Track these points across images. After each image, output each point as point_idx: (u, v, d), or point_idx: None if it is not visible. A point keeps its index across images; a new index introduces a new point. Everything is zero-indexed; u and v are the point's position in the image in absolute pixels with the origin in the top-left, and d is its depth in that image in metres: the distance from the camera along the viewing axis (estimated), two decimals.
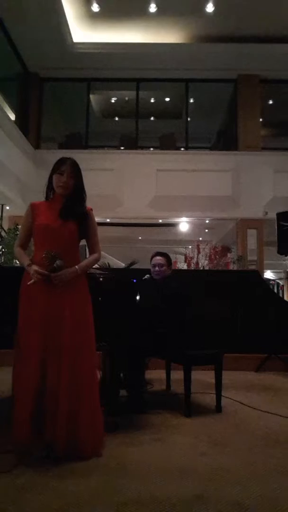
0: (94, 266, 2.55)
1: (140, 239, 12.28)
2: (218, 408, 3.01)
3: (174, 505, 1.63)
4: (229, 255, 8.67)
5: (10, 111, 8.69)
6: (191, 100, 9.88)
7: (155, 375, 3.82)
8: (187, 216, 9.41)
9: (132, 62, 8.68)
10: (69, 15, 7.66)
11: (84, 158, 9.51)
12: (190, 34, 8.25)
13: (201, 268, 7.38)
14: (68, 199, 2.25)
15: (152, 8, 7.48)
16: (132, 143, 9.46)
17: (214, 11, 7.45)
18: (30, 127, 9.12)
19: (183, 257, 8.26)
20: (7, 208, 7.87)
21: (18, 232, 6.49)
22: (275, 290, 11.91)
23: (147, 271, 3.62)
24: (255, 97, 9.16)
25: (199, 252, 7.70)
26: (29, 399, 2.01)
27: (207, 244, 8.20)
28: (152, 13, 7.61)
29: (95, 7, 7.48)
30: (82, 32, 8.19)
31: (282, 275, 15.85)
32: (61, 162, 2.25)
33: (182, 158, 9.05)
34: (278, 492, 1.76)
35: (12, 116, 8.61)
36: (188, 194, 8.57)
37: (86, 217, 2.28)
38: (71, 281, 2.15)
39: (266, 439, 2.43)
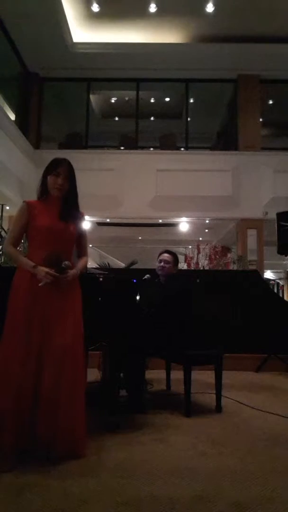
0: (93, 266, 2.56)
1: (140, 239, 12.28)
2: (218, 408, 3.02)
3: (174, 505, 1.63)
4: (229, 255, 8.65)
5: (10, 111, 8.68)
6: (191, 100, 9.87)
7: (155, 375, 3.82)
8: (187, 216, 9.40)
9: (132, 62, 8.68)
10: (69, 15, 7.66)
11: (84, 158, 9.56)
12: (190, 34, 8.25)
13: (201, 268, 7.37)
14: (65, 201, 2.26)
15: (152, 8, 7.48)
16: (132, 143, 9.46)
17: (214, 11, 7.44)
18: (30, 127, 9.12)
19: (183, 257, 8.25)
20: (7, 208, 7.86)
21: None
22: (275, 290, 11.90)
23: (147, 271, 3.63)
24: (255, 97, 9.15)
25: (199, 252, 7.68)
26: (10, 398, 1.99)
27: (207, 244, 8.18)
28: (152, 13, 7.60)
29: (95, 7, 7.48)
30: (82, 32, 8.19)
31: (282, 275, 15.84)
32: (56, 163, 2.23)
33: (182, 158, 9.04)
34: (278, 492, 1.76)
35: (12, 116, 8.61)
36: (188, 194, 8.57)
37: (81, 221, 2.32)
38: (69, 284, 2.16)
39: (266, 439, 2.43)
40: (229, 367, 3.93)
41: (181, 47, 8.36)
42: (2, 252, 5.88)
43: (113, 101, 10.81)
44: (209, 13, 7.50)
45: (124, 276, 4.56)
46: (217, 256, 7.60)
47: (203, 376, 3.55)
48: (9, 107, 8.67)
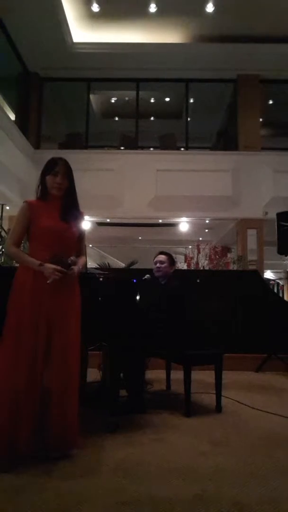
0: (93, 266, 2.57)
1: (140, 239, 12.28)
2: (218, 408, 3.02)
3: (174, 505, 1.63)
4: (229, 255, 8.66)
5: (10, 111, 8.68)
6: (191, 100, 9.87)
7: (155, 375, 3.82)
8: (187, 216, 9.40)
9: (132, 62, 8.68)
10: (69, 15, 7.66)
11: (84, 158, 9.55)
12: (190, 34, 8.25)
13: (201, 268, 7.37)
14: (65, 201, 2.26)
15: (152, 8, 7.48)
16: (132, 143, 9.46)
17: (214, 11, 7.44)
18: (30, 127, 9.12)
19: (183, 257, 8.26)
20: (7, 208, 7.86)
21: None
22: (275, 290, 11.90)
23: (147, 271, 3.64)
24: (255, 97, 9.15)
25: (199, 252, 7.69)
26: (7, 397, 2.00)
27: (207, 244, 8.19)
28: (152, 13, 7.60)
29: (95, 7, 7.48)
30: (82, 32, 8.18)
31: (282, 275, 15.85)
32: (54, 162, 2.25)
33: (182, 158, 9.04)
34: (278, 492, 1.76)
35: (12, 116, 8.61)
36: (188, 194, 8.57)
37: (81, 220, 2.33)
38: (70, 282, 2.18)
39: (266, 439, 2.43)
40: (229, 367, 3.92)
41: (181, 47, 8.36)
42: (2, 252, 5.89)
43: (113, 101, 10.81)
44: (209, 13, 7.50)
45: (124, 276, 4.56)
46: (217, 256, 7.61)
47: (203, 376, 3.55)
48: (9, 107, 8.67)
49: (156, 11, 7.55)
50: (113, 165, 8.73)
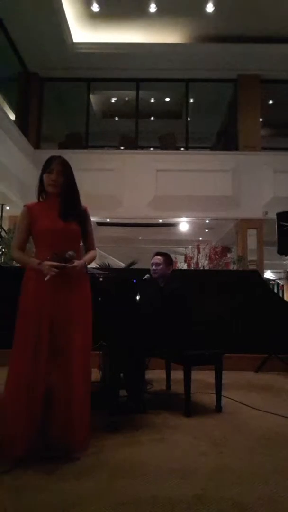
0: (93, 266, 2.56)
1: (140, 239, 12.28)
2: (218, 408, 3.01)
3: (174, 505, 1.63)
4: (229, 255, 8.66)
5: (10, 111, 8.69)
6: (191, 100, 9.88)
7: (155, 375, 3.82)
8: (187, 216, 9.41)
9: (132, 62, 8.69)
10: (69, 15, 7.67)
11: (84, 158, 9.56)
12: (190, 34, 8.25)
13: (201, 268, 7.37)
14: (63, 199, 2.26)
15: (152, 8, 7.49)
16: (132, 143, 9.46)
17: (214, 11, 7.45)
18: (30, 127, 9.12)
19: (183, 257, 8.26)
20: (7, 208, 7.87)
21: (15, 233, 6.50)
22: (275, 290, 11.91)
23: (147, 271, 3.62)
24: (255, 97, 9.16)
25: (199, 252, 7.69)
26: (21, 396, 2.00)
27: (207, 244, 8.19)
28: (152, 13, 7.61)
29: (95, 7, 7.49)
30: (82, 32, 8.19)
31: (282, 275, 15.86)
32: (49, 161, 2.27)
33: (182, 158, 9.05)
34: (278, 492, 1.76)
35: (12, 116, 8.61)
36: (188, 194, 8.57)
37: (84, 216, 2.31)
38: (76, 280, 2.17)
39: (266, 439, 2.43)
40: (229, 367, 3.92)
41: (181, 47, 8.36)
42: (2, 252, 5.90)
43: (113, 101, 10.82)
44: (209, 13, 7.51)
45: (124, 276, 4.56)
46: (217, 256, 7.60)
47: (203, 376, 3.55)
48: (9, 107, 8.68)
49: (156, 11, 7.56)
50: (113, 165, 8.73)
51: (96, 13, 7.63)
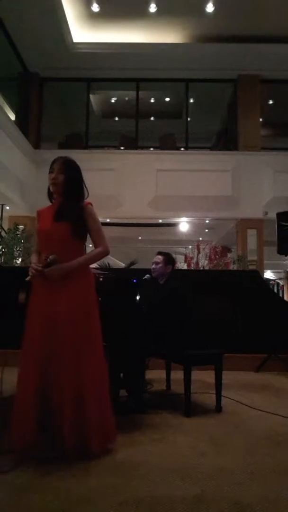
0: (93, 266, 2.55)
1: (140, 239, 12.28)
2: (218, 408, 3.01)
3: (174, 505, 1.63)
4: (229, 255, 8.66)
5: (10, 111, 8.69)
6: (191, 100, 9.88)
7: (155, 375, 3.82)
8: (187, 216, 9.41)
9: (132, 62, 8.68)
10: (69, 15, 7.66)
11: (84, 158, 9.51)
12: (190, 34, 8.25)
13: (201, 268, 7.37)
14: (63, 199, 2.26)
15: (152, 8, 7.48)
16: (132, 143, 9.45)
17: (214, 11, 7.45)
18: (30, 127, 9.11)
19: (183, 257, 8.26)
20: (7, 208, 7.86)
21: (18, 232, 6.57)
22: (275, 290, 11.91)
23: (147, 271, 3.64)
24: (255, 97, 9.15)
25: (199, 252, 7.69)
26: (29, 397, 2.01)
27: (207, 244, 8.19)
28: (152, 13, 7.61)
29: (95, 7, 7.48)
30: (82, 32, 8.18)
31: (282, 275, 15.85)
32: (53, 161, 2.31)
33: (182, 158, 9.05)
34: (278, 492, 1.76)
35: (12, 116, 8.61)
36: (188, 194, 8.57)
37: (81, 214, 2.23)
38: (69, 276, 2.14)
39: (266, 439, 2.43)
40: (229, 367, 3.92)
41: (181, 47, 8.36)
42: (2, 252, 5.91)
43: (113, 101, 10.82)
44: (209, 13, 7.51)
45: (124, 276, 4.56)
46: (217, 256, 7.61)
47: (203, 376, 3.55)
48: (9, 107, 8.68)
49: (156, 11, 7.55)
50: (113, 165, 8.73)
51: (96, 13, 7.62)
